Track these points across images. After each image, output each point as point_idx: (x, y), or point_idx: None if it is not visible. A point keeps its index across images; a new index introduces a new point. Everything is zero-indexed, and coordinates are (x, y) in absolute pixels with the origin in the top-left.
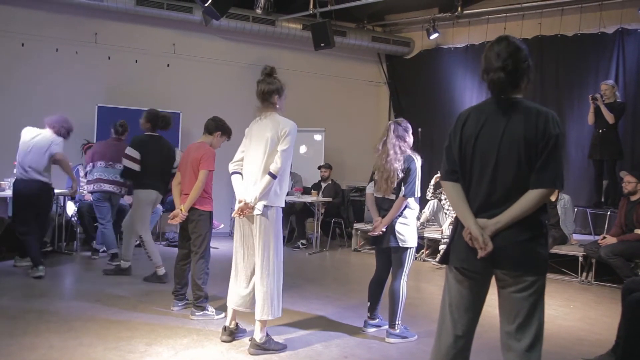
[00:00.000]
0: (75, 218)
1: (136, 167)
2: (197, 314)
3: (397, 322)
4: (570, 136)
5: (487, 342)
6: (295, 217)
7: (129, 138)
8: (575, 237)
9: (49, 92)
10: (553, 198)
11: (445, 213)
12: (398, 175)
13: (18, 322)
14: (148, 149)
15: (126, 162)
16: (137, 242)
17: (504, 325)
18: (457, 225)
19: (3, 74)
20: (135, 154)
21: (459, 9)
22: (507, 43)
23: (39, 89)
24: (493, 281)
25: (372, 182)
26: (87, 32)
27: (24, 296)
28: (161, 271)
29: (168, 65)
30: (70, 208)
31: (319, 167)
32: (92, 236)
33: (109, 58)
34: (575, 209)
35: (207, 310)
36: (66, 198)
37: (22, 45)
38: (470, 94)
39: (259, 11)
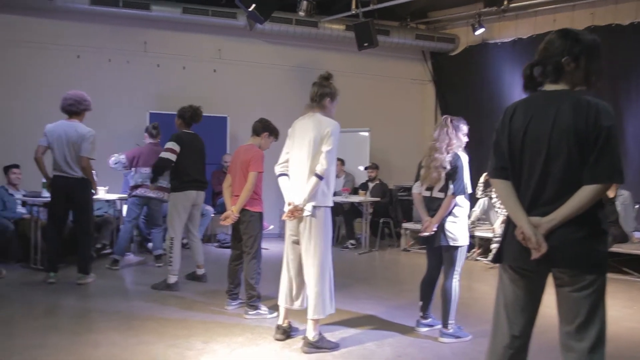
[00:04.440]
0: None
1: (173, 157)
2: (250, 313)
3: (450, 322)
4: (627, 129)
5: (546, 343)
6: (343, 218)
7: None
8: (637, 235)
9: (103, 101)
10: (611, 194)
11: (497, 211)
12: (444, 168)
13: (82, 320)
14: (184, 145)
15: (163, 153)
16: (185, 242)
17: (563, 326)
18: (509, 222)
19: (60, 85)
20: (175, 146)
21: (505, 2)
22: (559, 34)
23: (93, 98)
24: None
25: (418, 181)
26: (137, 42)
27: (85, 296)
28: (172, 279)
29: (214, 70)
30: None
31: (366, 168)
32: (147, 239)
33: (158, 66)
34: (637, 206)
35: (260, 310)
36: (122, 202)
37: (78, 57)
38: (519, 89)
39: (301, 14)
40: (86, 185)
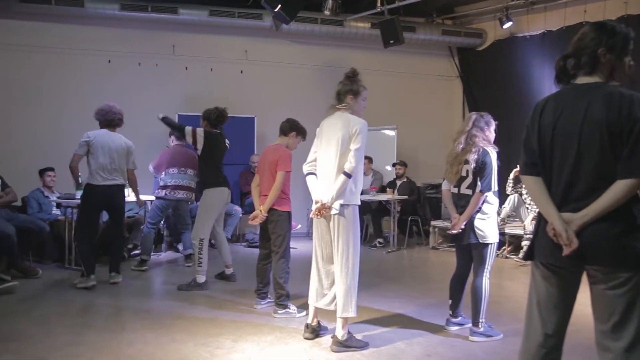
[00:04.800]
0: (162, 222)
1: (190, 137)
2: (279, 312)
3: (480, 320)
4: None
5: (581, 342)
6: (371, 216)
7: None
8: None
9: (133, 104)
10: None
11: (527, 208)
12: (470, 166)
13: (116, 319)
14: (213, 143)
15: (188, 129)
16: (212, 242)
17: (599, 324)
18: (541, 219)
19: (92, 89)
20: (201, 138)
21: None
22: (594, 26)
23: (124, 101)
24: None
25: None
26: (165, 45)
27: (118, 295)
28: (202, 279)
29: (241, 71)
30: None
31: (394, 165)
32: (178, 239)
33: (186, 68)
34: None
35: (289, 309)
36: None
37: (109, 62)
38: (549, 83)
39: (327, 12)
40: (123, 190)
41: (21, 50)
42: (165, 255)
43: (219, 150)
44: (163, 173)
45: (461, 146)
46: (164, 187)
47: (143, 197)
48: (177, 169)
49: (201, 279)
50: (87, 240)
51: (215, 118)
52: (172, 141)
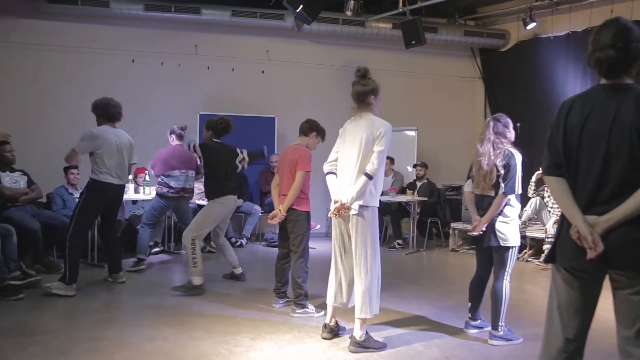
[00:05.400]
0: None
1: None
2: (297, 311)
3: (500, 324)
4: None
5: (602, 347)
6: (390, 217)
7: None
8: None
9: (155, 103)
10: None
11: (549, 211)
12: (497, 171)
13: (137, 315)
14: (208, 155)
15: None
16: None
17: (622, 330)
18: (564, 221)
19: (115, 88)
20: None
21: None
22: (617, 22)
23: (147, 100)
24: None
25: (470, 179)
26: (188, 45)
27: (139, 292)
28: (198, 281)
29: (262, 71)
30: None
31: (414, 166)
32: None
33: (208, 68)
34: None
35: (307, 308)
36: None
37: (132, 61)
38: (573, 85)
39: (348, 13)
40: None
41: (48, 49)
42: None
43: (217, 160)
44: (161, 173)
45: (485, 153)
46: (171, 187)
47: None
48: (179, 171)
49: (197, 280)
50: (82, 242)
51: (222, 128)
52: (172, 140)
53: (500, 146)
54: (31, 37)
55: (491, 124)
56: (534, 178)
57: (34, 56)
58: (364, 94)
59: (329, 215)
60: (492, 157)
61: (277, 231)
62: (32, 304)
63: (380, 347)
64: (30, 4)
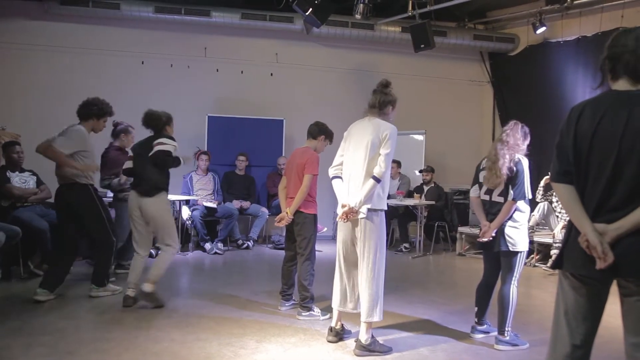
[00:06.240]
0: (190, 222)
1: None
2: (303, 314)
3: (506, 329)
4: None
5: (610, 354)
6: (397, 221)
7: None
8: None
9: (164, 105)
10: None
11: (557, 216)
12: (506, 171)
13: (143, 316)
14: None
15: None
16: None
17: (629, 337)
18: (572, 227)
19: (125, 89)
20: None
21: None
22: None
23: (156, 102)
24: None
25: (476, 185)
26: (197, 47)
27: None
28: (148, 288)
29: (271, 74)
30: (185, 212)
31: (421, 171)
32: (205, 238)
33: (217, 70)
34: None
35: (313, 311)
36: (181, 203)
37: (142, 63)
38: (582, 90)
39: (357, 16)
40: None
41: (58, 51)
42: (192, 254)
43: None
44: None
45: (502, 155)
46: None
47: (171, 197)
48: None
49: (148, 287)
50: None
51: (149, 119)
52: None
53: (512, 150)
54: (41, 39)
55: (518, 127)
56: (542, 183)
57: (44, 57)
58: (384, 103)
59: (337, 219)
60: (502, 158)
61: (284, 234)
62: (39, 304)
63: (386, 351)
64: (41, 6)
